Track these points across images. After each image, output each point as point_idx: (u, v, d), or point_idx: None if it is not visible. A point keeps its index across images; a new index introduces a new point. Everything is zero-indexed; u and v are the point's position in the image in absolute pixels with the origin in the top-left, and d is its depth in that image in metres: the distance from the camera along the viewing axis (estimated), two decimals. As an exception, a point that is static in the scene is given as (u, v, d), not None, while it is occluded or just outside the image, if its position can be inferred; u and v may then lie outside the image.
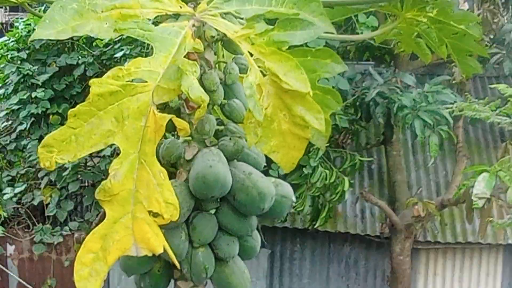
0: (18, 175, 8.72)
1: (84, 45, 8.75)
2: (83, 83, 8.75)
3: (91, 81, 1.14)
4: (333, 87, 1.76)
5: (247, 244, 1.90)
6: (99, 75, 8.47)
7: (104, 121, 1.13)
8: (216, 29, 1.31)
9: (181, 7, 1.28)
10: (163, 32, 1.22)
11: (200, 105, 1.19)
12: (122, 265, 1.77)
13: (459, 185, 8.06)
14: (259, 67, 1.28)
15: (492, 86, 7.82)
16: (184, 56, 1.23)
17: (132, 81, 1.17)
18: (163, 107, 1.28)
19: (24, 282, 7.93)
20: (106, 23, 1.18)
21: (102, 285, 1.12)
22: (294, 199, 1.92)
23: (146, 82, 1.16)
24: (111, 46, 8.50)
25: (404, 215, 8.18)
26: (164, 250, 1.20)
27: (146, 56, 1.23)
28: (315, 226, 8.26)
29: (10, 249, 8.41)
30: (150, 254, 1.16)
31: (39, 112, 8.55)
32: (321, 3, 1.26)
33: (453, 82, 8.54)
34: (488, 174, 6.75)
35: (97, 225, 1.20)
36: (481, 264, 8.86)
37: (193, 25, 1.25)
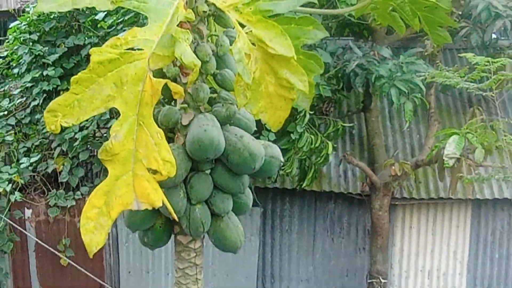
0: (33, 146, 8.77)
1: (89, 27, 8.78)
2: (89, 62, 8.77)
3: (91, 50, 1.14)
4: (313, 52, 1.74)
5: (240, 201, 1.94)
6: (104, 53, 8.59)
7: (104, 86, 1.13)
8: (207, 2, 1.27)
9: None
10: (157, 3, 1.20)
11: (194, 67, 1.18)
12: (127, 221, 1.78)
13: (432, 147, 8.13)
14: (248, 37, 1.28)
15: (461, 55, 7.86)
16: (177, 26, 1.21)
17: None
18: (161, 77, 1.27)
19: (41, 242, 7.96)
20: None
21: (106, 238, 1.11)
22: (282, 159, 1.93)
23: (142, 50, 1.15)
24: (114, 27, 8.50)
25: (382, 175, 8.24)
26: (165, 207, 1.21)
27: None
28: (303, 186, 8.32)
29: (28, 212, 8.48)
30: (150, 208, 1.16)
31: (51, 88, 8.60)
32: None
33: (425, 54, 8.59)
34: (458, 137, 6.81)
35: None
36: (451, 218, 8.95)
37: None
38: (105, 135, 8.58)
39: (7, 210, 8.27)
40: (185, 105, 1.65)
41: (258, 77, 1.19)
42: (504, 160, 6.92)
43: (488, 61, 6.64)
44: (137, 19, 7.57)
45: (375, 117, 8.70)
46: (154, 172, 1.13)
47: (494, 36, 8.90)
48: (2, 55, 9.78)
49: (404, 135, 9.28)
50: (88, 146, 8.49)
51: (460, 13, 8.49)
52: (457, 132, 6.93)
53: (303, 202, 9.10)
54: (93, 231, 1.09)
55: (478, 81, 6.95)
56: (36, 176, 8.73)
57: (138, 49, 1.15)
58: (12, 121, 9.08)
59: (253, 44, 1.21)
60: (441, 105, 9.35)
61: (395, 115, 9.37)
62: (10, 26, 9.62)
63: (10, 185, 8.33)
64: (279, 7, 1.20)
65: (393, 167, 8.11)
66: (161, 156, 1.13)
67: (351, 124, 9.21)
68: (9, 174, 8.40)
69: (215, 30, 1.70)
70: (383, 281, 8.60)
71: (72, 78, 1.13)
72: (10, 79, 9.50)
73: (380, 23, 2.33)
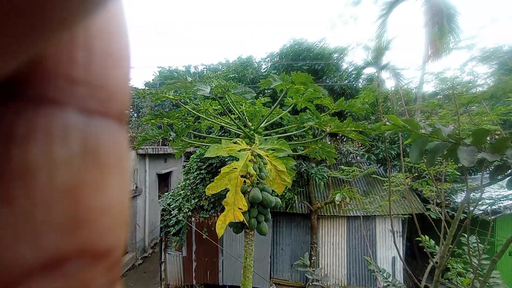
0: (196, 196, 8.64)
1: (217, 157, 8.87)
2: (216, 168, 8.72)
3: (222, 168, 1.13)
4: (291, 168, 1.73)
5: (267, 217, 1.85)
6: (221, 166, 8.70)
7: (225, 180, 1.10)
8: (258, 153, 1.28)
9: (246, 147, 1.28)
10: (242, 153, 1.19)
11: (253, 174, 1.18)
12: (229, 224, 1.71)
13: (330, 197, 7.83)
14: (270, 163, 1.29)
15: (340, 166, 7.75)
16: (248, 161, 1.21)
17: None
18: (243, 176, 1.28)
19: (196, 229, 7.67)
20: (225, 152, 1.17)
21: (223, 230, 1.07)
22: (280, 202, 1.87)
23: (237, 168, 1.14)
24: (227, 158, 8.61)
25: (314, 206, 7.89)
26: (243, 219, 1.17)
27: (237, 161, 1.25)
28: (286, 210, 7.98)
29: (193, 219, 8.21)
30: (238, 220, 1.10)
31: (202, 177, 8.53)
32: (288, 145, 1.27)
33: (328, 165, 8.47)
34: (339, 193, 6.60)
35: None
36: (340, 223, 8.38)
37: (251, 152, 1.24)
38: (223, 196, 8.45)
39: (186, 217, 8.06)
40: (249, 185, 1.65)
41: (273, 177, 1.18)
42: (356, 202, 6.65)
43: (349, 168, 6.56)
44: (234, 158, 7.68)
45: (311, 186, 8.43)
46: (240, 209, 1.08)
47: (350, 159, 8.84)
48: (186, 166, 9.66)
49: (321, 193, 8.90)
50: (213, 198, 8.33)
51: (338, 151, 8.48)
52: (339, 191, 6.72)
53: (287, 216, 8.65)
54: (220, 228, 1.06)
55: (346, 175, 6.81)
56: (196, 206, 8.56)
57: (235, 168, 1.14)
58: (189, 187, 8.99)
59: (272, 165, 1.23)
60: (334, 182, 9.05)
61: (318, 186, 9.10)
62: (191, 156, 9.66)
63: (188, 209, 8.19)
64: (280, 155, 1.20)
65: (317, 204, 7.81)
66: (242, 203, 1.10)
67: (303, 189, 8.88)
68: (187, 206, 8.27)
69: (259, 160, 1.73)
70: (316, 246, 7.99)
71: (215, 178, 1.11)
72: (188, 174, 9.36)
73: (311, 156, 2.32)
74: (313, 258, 8.02)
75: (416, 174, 6.89)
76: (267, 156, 1.16)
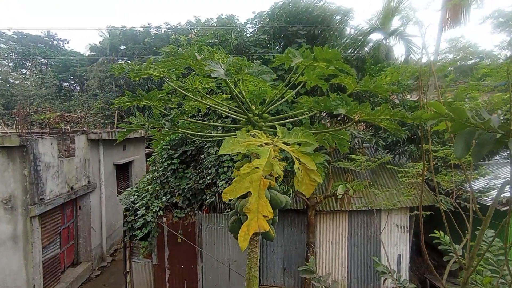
0: (166, 192, 8.57)
1: (192, 143, 8.69)
2: (191, 157, 8.64)
3: (242, 168, 1.14)
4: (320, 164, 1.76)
5: (274, 219, 1.91)
6: (198, 154, 8.56)
7: (245, 182, 1.12)
8: (281, 148, 1.28)
9: (268, 141, 1.29)
10: (263, 149, 1.20)
11: (280, 175, 1.20)
12: (229, 230, 1.75)
13: (331, 189, 8.08)
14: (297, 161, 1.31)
15: (351, 156, 7.94)
16: (272, 158, 1.21)
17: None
18: (266, 177, 1.29)
19: (170, 230, 7.68)
20: (243, 147, 1.17)
21: (248, 243, 1.09)
22: (290, 201, 1.93)
23: (259, 167, 1.15)
24: (205, 144, 8.41)
25: (312, 200, 8.11)
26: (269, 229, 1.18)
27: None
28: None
29: (164, 219, 8.20)
30: (264, 230, 1.12)
31: (174, 168, 8.48)
32: (313, 137, 1.29)
33: (328, 152, 8.66)
34: (342, 185, 6.81)
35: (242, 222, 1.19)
36: (340, 217, 8.74)
37: (273, 146, 1.25)
38: (199, 191, 8.37)
39: (156, 218, 8.03)
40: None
41: (302, 177, 1.21)
42: (361, 195, 6.93)
43: (360, 157, 6.76)
44: (215, 143, 7.50)
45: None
46: (265, 217, 1.11)
47: (354, 144, 9.08)
48: (154, 154, 9.64)
49: (320, 185, 9.16)
50: (188, 193, 8.29)
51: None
52: (342, 183, 6.93)
53: (279, 213, 8.92)
54: (243, 241, 1.07)
55: (359, 166, 6.99)
56: (167, 204, 8.51)
57: (257, 167, 1.15)
58: (158, 181, 8.90)
59: (301, 164, 1.25)
60: (335, 172, 9.30)
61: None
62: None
63: (158, 207, 8.12)
64: (308, 150, 1.22)
65: (315, 197, 8.02)
66: (267, 210, 1.11)
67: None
68: (157, 203, 8.19)
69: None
70: (313, 246, 8.31)
71: (233, 181, 1.12)
72: (157, 165, 9.26)
73: (319, 143, 2.38)
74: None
75: (434, 163, 7.23)
76: (293, 152, 1.18)
